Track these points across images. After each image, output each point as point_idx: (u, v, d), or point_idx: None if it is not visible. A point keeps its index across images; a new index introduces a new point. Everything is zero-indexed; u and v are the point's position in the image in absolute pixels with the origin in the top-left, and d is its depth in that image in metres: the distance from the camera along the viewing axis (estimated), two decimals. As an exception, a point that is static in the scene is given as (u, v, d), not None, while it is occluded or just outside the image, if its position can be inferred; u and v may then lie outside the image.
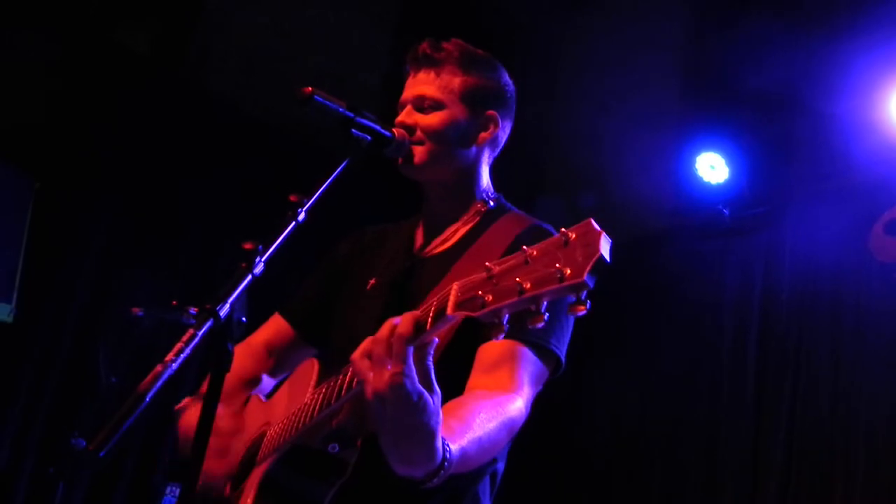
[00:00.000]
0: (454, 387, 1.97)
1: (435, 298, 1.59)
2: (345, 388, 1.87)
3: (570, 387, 5.97)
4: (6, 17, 5.19)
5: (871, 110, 5.21)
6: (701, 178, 5.90)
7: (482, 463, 1.92)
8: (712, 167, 5.86)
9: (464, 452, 1.75)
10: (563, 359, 2.13)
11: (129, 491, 5.46)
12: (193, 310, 1.70)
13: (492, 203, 2.38)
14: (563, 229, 1.45)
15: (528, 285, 1.43)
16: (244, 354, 2.52)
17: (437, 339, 1.62)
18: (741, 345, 5.93)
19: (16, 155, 5.28)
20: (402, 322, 1.59)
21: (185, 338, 1.65)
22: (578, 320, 2.12)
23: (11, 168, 5.26)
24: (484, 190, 2.40)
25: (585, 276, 1.38)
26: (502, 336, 1.49)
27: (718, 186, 5.89)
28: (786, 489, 5.44)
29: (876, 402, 5.23)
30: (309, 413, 1.99)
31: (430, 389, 1.59)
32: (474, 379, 2.04)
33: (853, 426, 5.28)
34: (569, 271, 1.40)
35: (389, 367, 1.56)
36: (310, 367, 2.21)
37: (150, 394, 1.58)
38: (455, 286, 1.56)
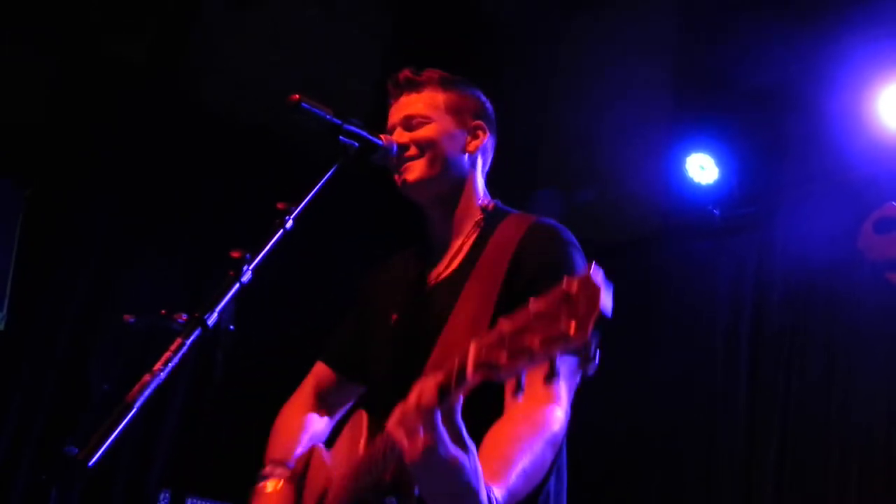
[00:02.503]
0: (493, 409, 1.99)
1: (455, 359, 1.61)
2: (387, 451, 1.89)
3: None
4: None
5: (861, 109, 5.22)
6: (691, 179, 5.91)
7: (534, 487, 1.92)
8: (702, 168, 5.87)
9: (511, 491, 1.78)
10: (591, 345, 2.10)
11: (122, 497, 5.45)
12: (182, 317, 1.71)
13: (489, 210, 2.38)
14: (566, 280, 1.46)
15: (537, 345, 1.47)
16: (296, 410, 2.57)
17: (462, 398, 1.63)
18: (734, 345, 5.94)
19: (7, 162, 5.28)
20: (426, 390, 1.61)
21: (173, 346, 1.66)
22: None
23: (2, 175, 5.26)
24: (481, 200, 2.41)
25: (589, 336, 1.42)
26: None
27: (709, 187, 5.90)
28: (780, 487, 5.45)
29: (870, 400, 5.24)
30: (362, 472, 2.01)
31: (465, 448, 1.63)
32: (509, 397, 2.03)
33: (848, 425, 5.29)
34: (573, 329, 1.43)
35: (421, 435, 1.60)
36: (359, 421, 2.23)
37: (139, 403, 1.58)
38: (473, 348, 1.58)
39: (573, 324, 1.42)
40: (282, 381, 2.79)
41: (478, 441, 1.81)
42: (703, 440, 5.88)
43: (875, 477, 5.10)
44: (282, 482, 2.36)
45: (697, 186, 5.92)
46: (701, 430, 5.92)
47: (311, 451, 2.46)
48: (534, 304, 1.49)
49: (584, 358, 1.46)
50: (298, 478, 2.37)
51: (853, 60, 5.14)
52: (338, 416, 2.63)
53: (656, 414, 6.16)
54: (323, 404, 2.60)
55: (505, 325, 1.53)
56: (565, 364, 1.99)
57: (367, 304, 2.54)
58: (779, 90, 5.61)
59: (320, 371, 2.62)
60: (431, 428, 1.59)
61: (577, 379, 2.11)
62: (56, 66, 5.45)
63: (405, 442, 1.61)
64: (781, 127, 5.77)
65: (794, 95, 5.56)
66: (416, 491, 1.84)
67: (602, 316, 1.41)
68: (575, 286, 1.45)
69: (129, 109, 5.67)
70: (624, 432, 6.30)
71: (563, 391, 2.03)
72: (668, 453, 6.05)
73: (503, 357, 1.51)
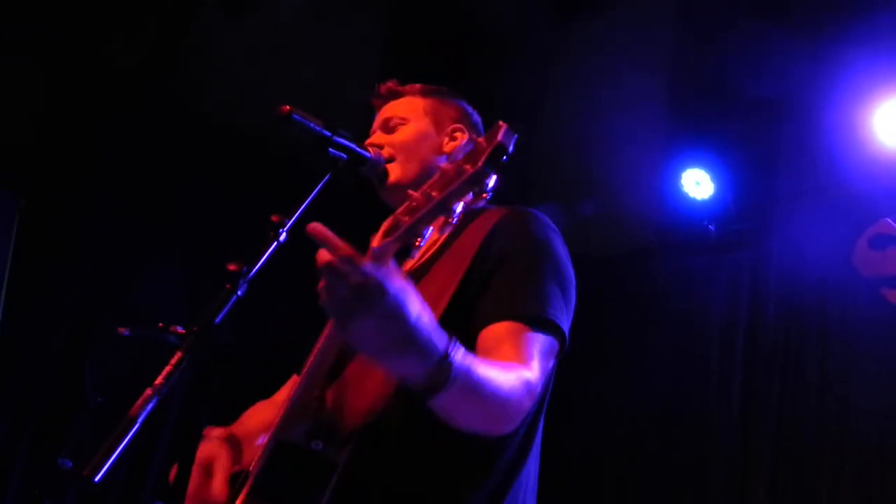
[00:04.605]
0: None
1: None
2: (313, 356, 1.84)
3: (558, 402, 5.96)
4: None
5: (858, 124, 5.24)
6: (687, 195, 5.92)
7: (494, 412, 1.79)
8: (698, 183, 5.88)
9: (471, 371, 1.66)
10: (564, 329, 2.03)
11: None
12: (179, 330, 1.71)
13: (475, 206, 2.36)
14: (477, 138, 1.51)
15: (436, 193, 1.50)
16: (266, 409, 2.52)
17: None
18: (729, 359, 5.94)
19: (4, 166, 5.27)
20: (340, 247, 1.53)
21: (173, 360, 1.66)
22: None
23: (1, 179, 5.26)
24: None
25: (481, 164, 1.45)
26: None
27: (704, 202, 5.91)
28: (775, 499, 5.45)
29: (864, 415, 5.25)
30: (291, 411, 1.97)
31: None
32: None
33: (841, 440, 5.30)
34: (469, 167, 1.47)
35: (351, 275, 1.49)
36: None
37: (142, 417, 1.58)
38: (385, 222, 1.59)
39: (471, 163, 1.47)
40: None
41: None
42: (698, 453, 5.88)
43: (869, 488, 5.11)
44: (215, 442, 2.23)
45: (693, 201, 5.92)
46: (696, 442, 5.92)
47: (254, 406, 2.43)
48: (444, 166, 1.53)
49: (477, 186, 1.48)
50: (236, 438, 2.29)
51: (850, 75, 5.16)
52: None
53: (651, 426, 6.16)
54: None
55: (415, 193, 1.55)
56: (538, 342, 1.96)
57: None
58: (776, 104, 5.62)
59: (294, 380, 2.53)
60: (380, 259, 1.51)
61: (551, 363, 2.03)
62: (54, 69, 5.44)
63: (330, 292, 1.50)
64: (777, 141, 5.78)
65: (790, 110, 5.57)
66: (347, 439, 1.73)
67: (501, 149, 1.46)
68: (483, 138, 1.49)
69: (126, 114, 5.66)
70: (618, 444, 6.29)
71: (536, 359, 1.92)
72: (663, 465, 6.04)
73: (406, 217, 1.53)
